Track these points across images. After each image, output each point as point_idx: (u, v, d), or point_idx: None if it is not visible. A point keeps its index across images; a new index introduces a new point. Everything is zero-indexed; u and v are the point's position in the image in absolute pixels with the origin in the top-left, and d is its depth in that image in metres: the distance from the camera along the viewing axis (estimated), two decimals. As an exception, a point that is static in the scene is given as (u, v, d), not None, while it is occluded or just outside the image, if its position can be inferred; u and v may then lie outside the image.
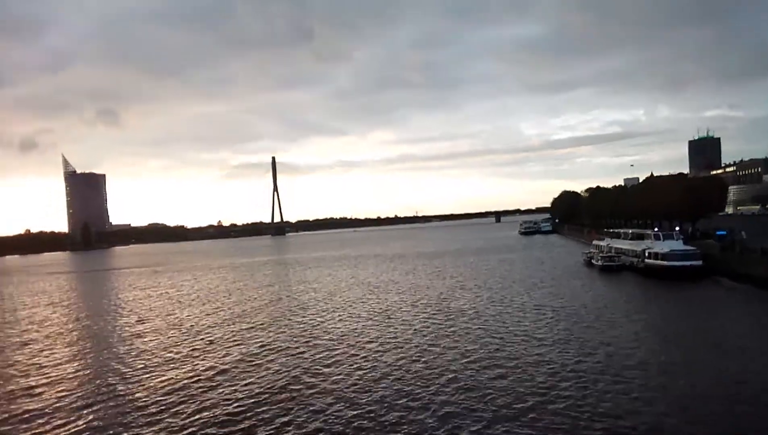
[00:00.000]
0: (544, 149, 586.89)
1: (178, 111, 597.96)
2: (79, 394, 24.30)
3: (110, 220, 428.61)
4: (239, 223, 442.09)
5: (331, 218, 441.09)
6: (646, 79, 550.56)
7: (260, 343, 32.83)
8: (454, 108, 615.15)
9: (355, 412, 20.11)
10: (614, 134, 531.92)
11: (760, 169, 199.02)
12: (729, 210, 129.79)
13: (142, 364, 29.38)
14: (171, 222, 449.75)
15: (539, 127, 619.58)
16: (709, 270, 48.64)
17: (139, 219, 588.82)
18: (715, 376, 22.00)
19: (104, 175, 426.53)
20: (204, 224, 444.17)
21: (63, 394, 24.56)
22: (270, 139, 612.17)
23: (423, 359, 26.84)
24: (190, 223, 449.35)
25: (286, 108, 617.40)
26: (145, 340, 36.13)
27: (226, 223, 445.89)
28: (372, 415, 19.81)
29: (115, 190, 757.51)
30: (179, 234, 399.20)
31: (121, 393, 24.11)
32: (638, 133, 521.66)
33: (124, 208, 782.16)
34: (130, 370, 28.23)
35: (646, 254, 54.11)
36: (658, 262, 51.32)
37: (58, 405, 22.97)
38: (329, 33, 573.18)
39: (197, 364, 28.69)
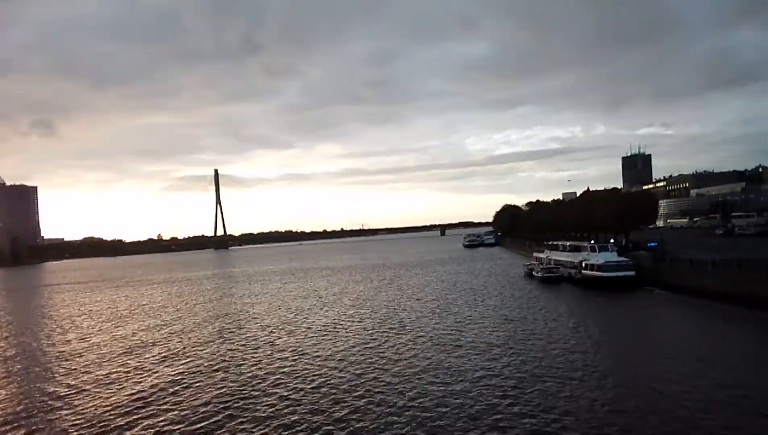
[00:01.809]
0: (487, 164, 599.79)
1: (120, 123, 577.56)
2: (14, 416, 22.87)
3: (42, 234, 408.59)
4: (181, 236, 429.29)
5: (276, 231, 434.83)
6: (584, 98, 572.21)
7: (205, 360, 31.85)
8: (403, 123, 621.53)
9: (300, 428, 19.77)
10: (554, 150, 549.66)
11: (688, 184, 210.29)
12: (659, 223, 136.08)
13: (80, 384, 27.90)
14: (108, 236, 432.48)
15: (483, 143, 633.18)
16: (641, 280, 50.73)
17: (73, 233, 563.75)
18: (645, 378, 22.88)
19: (35, 187, 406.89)
20: (143, 238, 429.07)
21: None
22: (215, 152, 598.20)
23: (369, 371, 26.71)
24: (129, 237, 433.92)
25: (232, 121, 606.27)
26: (85, 359, 34.26)
27: (166, 236, 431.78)
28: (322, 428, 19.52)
29: (49, 203, 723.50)
30: (116, 248, 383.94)
31: (60, 416, 22.81)
32: (576, 149, 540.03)
33: (58, 222, 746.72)
34: (68, 391, 26.72)
35: (583, 265, 55.95)
36: (594, 273, 53.14)
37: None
38: (280, 48, 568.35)
39: (140, 382, 27.52)
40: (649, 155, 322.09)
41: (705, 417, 18.54)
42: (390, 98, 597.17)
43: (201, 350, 34.73)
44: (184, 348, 35.82)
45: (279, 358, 31.03)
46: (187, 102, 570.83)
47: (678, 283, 46.39)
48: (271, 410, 21.86)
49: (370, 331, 37.54)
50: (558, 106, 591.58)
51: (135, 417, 21.95)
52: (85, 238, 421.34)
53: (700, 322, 36.05)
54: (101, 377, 29.06)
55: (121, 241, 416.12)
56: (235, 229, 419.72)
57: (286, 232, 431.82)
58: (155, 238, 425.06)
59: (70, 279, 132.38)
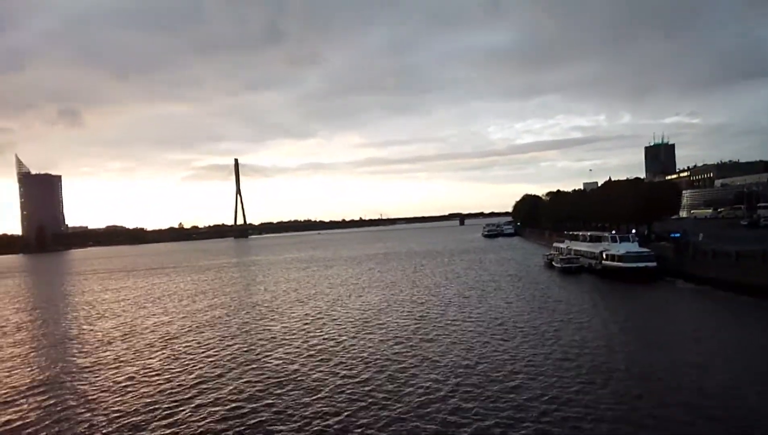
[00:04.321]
0: (509, 153, 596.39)
1: (143, 112, 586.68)
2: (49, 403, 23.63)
3: (66, 223, 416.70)
4: (201, 225, 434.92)
5: (296, 221, 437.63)
6: (609, 87, 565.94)
7: (236, 352, 32.45)
8: (424, 112, 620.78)
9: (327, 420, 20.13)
10: (576, 139, 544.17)
11: (712, 175, 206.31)
12: (683, 213, 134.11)
13: (111, 371, 28.70)
14: (130, 224, 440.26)
15: (505, 132, 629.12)
16: (663, 271, 50.21)
17: (96, 221, 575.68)
18: (663, 369, 22.82)
19: (59, 176, 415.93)
20: (164, 226, 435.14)
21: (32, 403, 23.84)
22: (236, 141, 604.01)
23: (393, 359, 27.06)
24: (150, 226, 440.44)
25: (254, 110, 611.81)
26: (116, 346, 35.22)
27: (187, 225, 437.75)
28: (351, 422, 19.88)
29: (73, 192, 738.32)
30: (138, 236, 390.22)
31: (92, 404, 23.49)
32: (599, 138, 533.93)
33: (81, 210, 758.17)
34: (100, 378, 27.52)
35: (604, 256, 55.52)
36: (615, 263, 52.72)
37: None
38: (302, 36, 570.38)
39: (169, 370, 28.20)
40: (673, 145, 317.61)
41: (723, 408, 18.48)
42: (411, 87, 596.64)
43: (237, 338, 35.30)
44: (220, 336, 36.29)
45: (314, 347, 31.43)
46: (209, 91, 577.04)
47: (701, 274, 45.87)
48: (307, 399, 22.28)
49: (402, 319, 37.78)
50: (582, 95, 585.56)
51: (165, 404, 22.54)
52: (108, 227, 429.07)
53: (722, 313, 35.59)
54: (139, 366, 29.78)
55: (143, 229, 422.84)
56: (254, 218, 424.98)
57: (305, 221, 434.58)
58: (176, 226, 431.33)
59: (97, 266, 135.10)
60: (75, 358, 31.42)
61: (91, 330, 40.70)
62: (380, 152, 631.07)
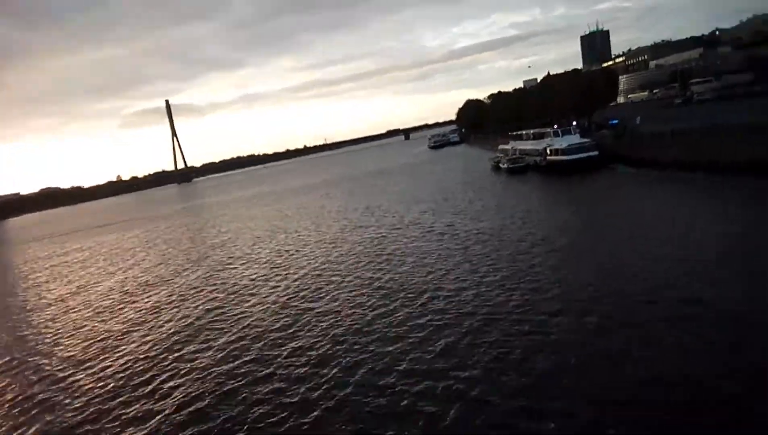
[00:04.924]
0: (447, 60, 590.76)
1: (62, 63, 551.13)
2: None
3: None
4: (141, 174, 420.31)
5: (239, 157, 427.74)
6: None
7: (204, 303, 31.76)
8: (357, 27, 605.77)
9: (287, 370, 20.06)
10: (513, 37, 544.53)
11: (647, 57, 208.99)
12: (621, 99, 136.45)
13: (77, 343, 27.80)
14: (65, 184, 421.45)
15: (441, 38, 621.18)
16: (604, 159, 51.44)
17: (29, 186, 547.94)
18: (614, 256, 23.67)
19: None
20: (102, 181, 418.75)
21: None
22: (166, 81, 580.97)
23: (363, 288, 27.06)
24: (87, 183, 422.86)
25: (181, 45, 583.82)
26: (75, 312, 33.98)
27: (126, 176, 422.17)
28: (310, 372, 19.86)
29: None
30: (76, 195, 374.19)
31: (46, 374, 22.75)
32: (536, 33, 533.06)
33: (10, 176, 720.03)
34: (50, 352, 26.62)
35: (548, 151, 56.32)
36: (558, 157, 53.67)
37: None
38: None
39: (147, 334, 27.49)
40: (608, 31, 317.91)
41: (672, 279, 19.29)
42: (341, 2, 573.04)
43: (201, 289, 34.47)
44: (184, 287, 35.31)
45: (283, 289, 31.06)
46: (129, 31, 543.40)
47: (639, 157, 47.15)
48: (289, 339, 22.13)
49: (362, 246, 37.31)
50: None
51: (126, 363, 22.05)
52: (42, 190, 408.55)
53: (662, 192, 36.76)
54: (103, 330, 28.87)
55: (80, 187, 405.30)
56: (196, 160, 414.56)
57: (248, 156, 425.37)
58: (115, 179, 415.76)
59: (37, 233, 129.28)
60: (32, 330, 30.18)
61: (45, 299, 38.92)
62: (316, 74, 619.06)
